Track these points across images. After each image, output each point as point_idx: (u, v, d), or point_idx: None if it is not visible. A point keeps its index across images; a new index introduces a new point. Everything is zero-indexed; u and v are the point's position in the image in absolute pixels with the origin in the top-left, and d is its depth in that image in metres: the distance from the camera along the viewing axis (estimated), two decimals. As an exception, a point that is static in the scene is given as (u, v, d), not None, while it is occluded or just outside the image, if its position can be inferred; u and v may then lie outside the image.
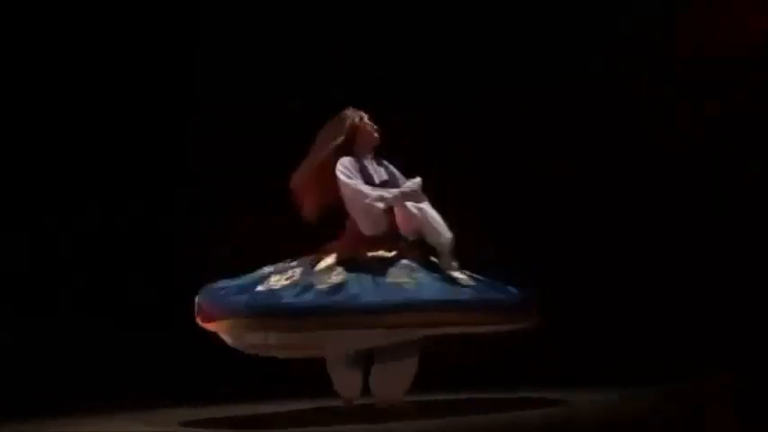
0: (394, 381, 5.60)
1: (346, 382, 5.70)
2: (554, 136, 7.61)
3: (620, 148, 7.54)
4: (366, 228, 5.63)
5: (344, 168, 5.69)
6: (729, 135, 7.36)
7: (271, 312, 5.36)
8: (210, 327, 5.61)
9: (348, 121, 5.80)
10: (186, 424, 5.84)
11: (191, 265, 7.97)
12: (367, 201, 5.61)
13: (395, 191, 5.69)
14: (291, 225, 5.93)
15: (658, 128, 7.53)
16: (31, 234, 7.97)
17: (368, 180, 5.73)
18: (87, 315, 7.88)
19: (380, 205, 5.61)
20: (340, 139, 5.76)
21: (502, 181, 7.60)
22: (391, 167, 5.89)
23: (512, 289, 5.60)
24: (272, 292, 5.46)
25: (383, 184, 5.74)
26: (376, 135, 5.84)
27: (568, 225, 7.51)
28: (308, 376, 5.96)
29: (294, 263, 5.67)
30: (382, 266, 5.50)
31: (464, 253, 5.64)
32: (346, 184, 5.65)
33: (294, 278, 5.52)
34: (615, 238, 7.46)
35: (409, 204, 5.67)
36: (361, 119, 5.83)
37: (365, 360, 5.68)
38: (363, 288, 5.36)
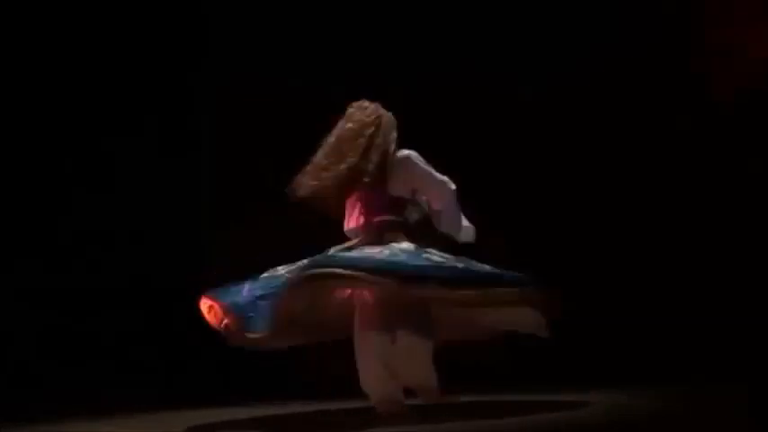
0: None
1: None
2: (557, 136, 7.60)
3: (629, 149, 7.53)
4: (457, 228, 5.64)
5: (426, 162, 5.67)
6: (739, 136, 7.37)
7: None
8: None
9: (384, 116, 5.72)
10: (195, 427, 5.80)
11: (191, 267, 7.99)
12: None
13: None
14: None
15: (664, 128, 7.52)
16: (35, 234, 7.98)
17: None
18: (89, 315, 7.88)
19: None
20: (394, 134, 5.69)
21: (509, 179, 7.58)
22: None
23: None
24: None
25: None
26: None
27: (573, 228, 7.49)
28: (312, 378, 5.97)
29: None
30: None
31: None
32: (444, 181, 5.64)
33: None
34: (624, 237, 7.45)
35: None
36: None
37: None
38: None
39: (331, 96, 7.34)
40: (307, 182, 5.62)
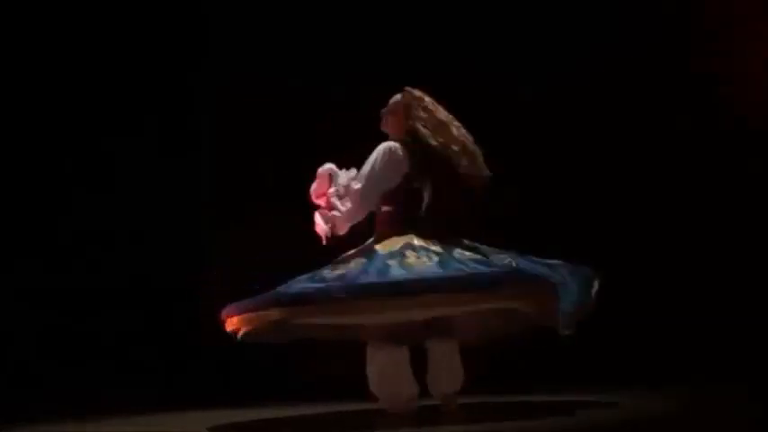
0: (451, 375, 5.47)
1: (405, 379, 5.42)
2: (558, 137, 7.60)
3: (629, 149, 7.52)
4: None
5: None
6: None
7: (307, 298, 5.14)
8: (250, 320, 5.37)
9: None
10: (215, 428, 5.79)
11: (191, 267, 7.99)
12: None
13: None
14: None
15: (665, 128, 7.52)
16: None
17: None
18: (89, 315, 7.88)
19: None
20: None
21: (509, 180, 7.56)
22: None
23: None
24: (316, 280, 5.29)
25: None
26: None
27: (571, 229, 7.48)
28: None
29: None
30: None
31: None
32: None
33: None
34: (622, 238, 7.43)
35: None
36: None
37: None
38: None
39: (331, 96, 7.36)
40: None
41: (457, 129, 5.56)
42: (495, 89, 7.56)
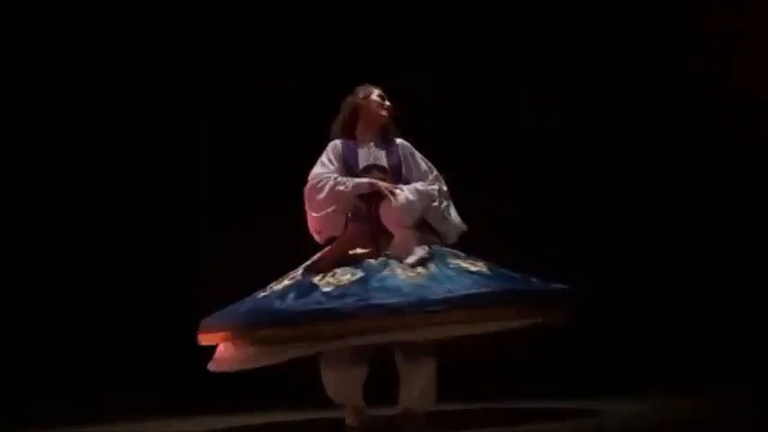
0: (424, 388, 5.16)
1: (349, 382, 5.23)
2: (557, 137, 7.60)
3: (628, 149, 7.51)
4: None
5: (324, 153, 5.40)
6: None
7: (274, 319, 4.99)
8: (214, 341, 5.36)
9: (352, 101, 5.45)
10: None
11: (191, 267, 8.00)
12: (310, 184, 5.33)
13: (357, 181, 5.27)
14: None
15: (665, 128, 7.52)
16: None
17: (350, 166, 5.34)
18: (89, 315, 7.88)
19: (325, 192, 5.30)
20: (339, 121, 5.44)
21: (508, 180, 7.58)
22: (407, 151, 5.42)
23: (536, 281, 5.29)
24: (269, 297, 5.14)
25: (368, 169, 5.35)
26: (383, 113, 5.43)
27: (568, 230, 7.48)
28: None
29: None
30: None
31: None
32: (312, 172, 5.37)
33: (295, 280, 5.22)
34: (620, 239, 7.43)
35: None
36: (368, 96, 5.44)
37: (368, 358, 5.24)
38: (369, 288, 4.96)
39: (331, 96, 7.36)
40: None
41: None
42: (495, 89, 7.56)
